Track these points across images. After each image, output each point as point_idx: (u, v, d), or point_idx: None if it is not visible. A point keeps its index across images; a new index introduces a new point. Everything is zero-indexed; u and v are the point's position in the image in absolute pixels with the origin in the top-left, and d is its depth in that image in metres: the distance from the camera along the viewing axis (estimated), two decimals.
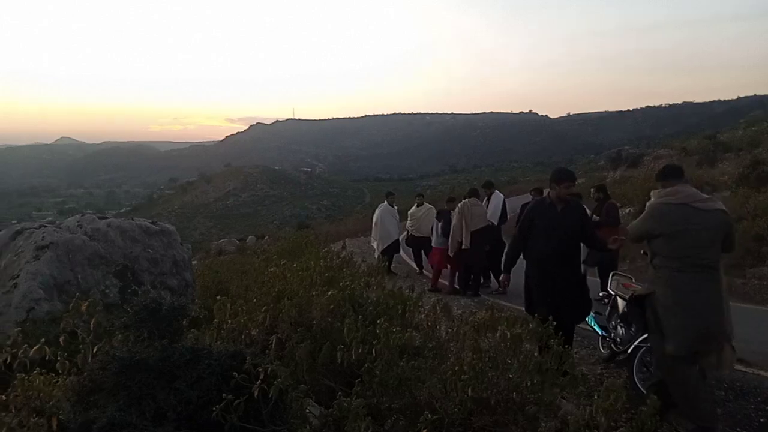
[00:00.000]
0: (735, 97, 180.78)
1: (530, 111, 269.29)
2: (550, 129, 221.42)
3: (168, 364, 2.40)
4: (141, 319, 2.74)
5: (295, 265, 5.75)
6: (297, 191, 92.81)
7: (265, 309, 3.84)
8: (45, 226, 6.35)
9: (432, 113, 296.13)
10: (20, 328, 2.71)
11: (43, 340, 2.63)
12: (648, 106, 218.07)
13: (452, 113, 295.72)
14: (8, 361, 2.58)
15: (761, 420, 4.14)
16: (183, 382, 2.33)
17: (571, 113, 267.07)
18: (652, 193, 4.16)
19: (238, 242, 27.86)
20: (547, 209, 5.18)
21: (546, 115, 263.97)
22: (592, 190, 9.87)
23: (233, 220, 75.28)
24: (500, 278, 5.56)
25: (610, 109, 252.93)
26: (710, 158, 26.55)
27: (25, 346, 2.58)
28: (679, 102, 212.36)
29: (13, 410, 2.38)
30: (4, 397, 2.43)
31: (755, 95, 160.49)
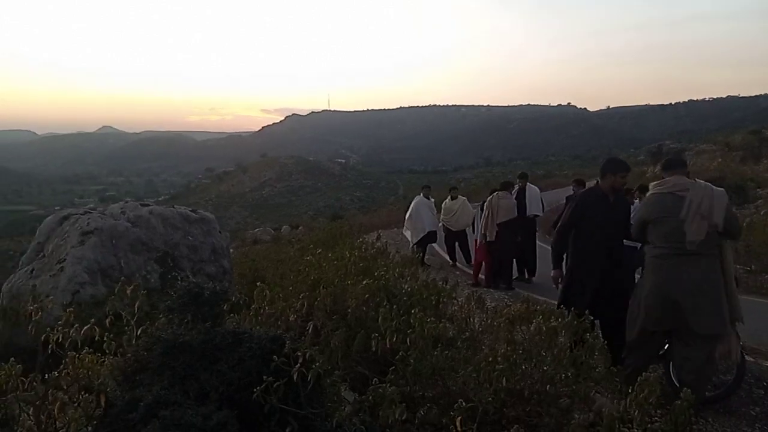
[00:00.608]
0: None
1: (568, 104, 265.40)
2: (588, 122, 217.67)
3: (210, 347, 2.48)
4: (184, 303, 2.83)
5: (330, 255, 5.83)
6: (331, 182, 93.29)
7: (302, 296, 3.91)
8: (90, 212, 6.57)
9: (467, 105, 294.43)
10: (71, 309, 2.83)
11: (92, 320, 2.75)
12: (690, 100, 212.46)
13: (488, 105, 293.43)
14: (59, 340, 2.71)
15: None
16: (225, 364, 2.41)
17: (610, 106, 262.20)
18: (650, 185, 4.39)
19: (273, 232, 28.24)
20: (599, 200, 4.93)
21: (585, 108, 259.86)
22: (635, 192, 9.71)
23: (268, 209, 76.13)
24: (551, 275, 5.34)
25: (651, 103, 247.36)
26: (755, 154, 25.84)
27: (76, 326, 2.71)
28: (724, 96, 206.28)
29: (65, 387, 2.50)
30: (56, 373, 2.55)
31: None
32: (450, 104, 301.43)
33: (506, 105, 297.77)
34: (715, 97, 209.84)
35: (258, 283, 3.90)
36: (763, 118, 77.36)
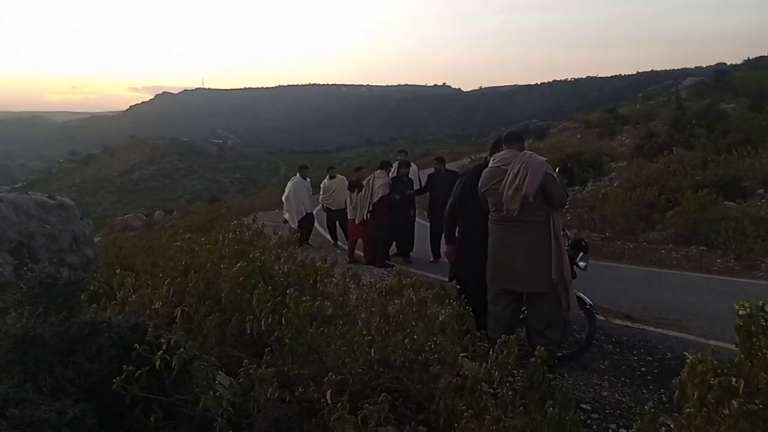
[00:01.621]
0: (634, 72, 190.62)
1: (444, 84, 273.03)
2: (462, 102, 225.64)
3: (65, 339, 2.34)
4: (36, 295, 2.64)
5: (203, 239, 5.64)
6: (208, 164, 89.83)
7: (169, 282, 3.77)
8: None
9: (348, 84, 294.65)
10: None
11: None
12: (555, 80, 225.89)
13: (368, 85, 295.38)
14: None
15: (642, 369, 4.53)
16: (82, 356, 2.28)
17: (482, 86, 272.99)
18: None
19: (144, 217, 26.88)
20: None
21: (459, 88, 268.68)
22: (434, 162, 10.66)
23: (140, 194, 72.06)
24: (443, 250, 5.38)
25: (519, 83, 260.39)
26: (610, 130, 28.13)
27: None
28: (584, 76, 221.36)
29: None
30: None
31: (653, 70, 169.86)
32: (330, 83, 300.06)
33: (386, 85, 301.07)
34: (576, 77, 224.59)
35: (117, 270, 3.71)
36: (618, 97, 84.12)
